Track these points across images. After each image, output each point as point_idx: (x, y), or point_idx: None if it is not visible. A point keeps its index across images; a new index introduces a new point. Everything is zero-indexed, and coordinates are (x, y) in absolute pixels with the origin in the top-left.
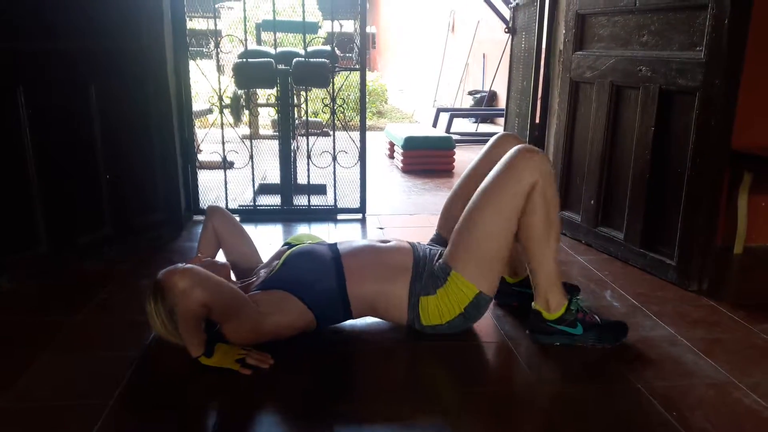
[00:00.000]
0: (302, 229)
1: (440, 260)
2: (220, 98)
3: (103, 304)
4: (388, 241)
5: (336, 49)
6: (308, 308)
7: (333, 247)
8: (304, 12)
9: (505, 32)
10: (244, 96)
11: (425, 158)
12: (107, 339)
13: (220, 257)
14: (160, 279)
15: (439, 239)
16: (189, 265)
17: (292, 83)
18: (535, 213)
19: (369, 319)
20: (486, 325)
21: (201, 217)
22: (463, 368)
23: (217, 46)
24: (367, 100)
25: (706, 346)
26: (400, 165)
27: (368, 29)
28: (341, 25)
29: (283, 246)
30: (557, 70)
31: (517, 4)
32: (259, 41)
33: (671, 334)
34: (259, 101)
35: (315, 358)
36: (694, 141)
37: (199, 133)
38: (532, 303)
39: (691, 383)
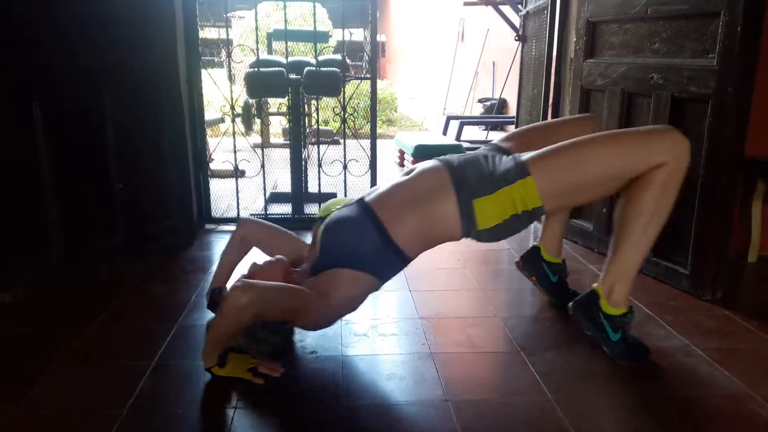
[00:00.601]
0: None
1: (511, 161)
2: (232, 107)
3: (116, 312)
4: (412, 170)
5: (346, 57)
6: (364, 273)
7: (361, 203)
8: (315, 21)
9: (516, 40)
10: (255, 105)
11: None
12: (120, 348)
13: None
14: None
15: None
16: (251, 281)
17: (303, 92)
18: (648, 189)
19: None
20: (497, 336)
21: (213, 226)
22: (476, 378)
23: (228, 55)
24: (377, 108)
25: (721, 357)
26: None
27: (378, 38)
28: (351, 34)
29: (317, 223)
30: (568, 77)
31: (527, 12)
32: (270, 50)
33: (685, 344)
34: (270, 110)
35: (321, 365)
36: (707, 149)
37: (211, 142)
38: (595, 284)
39: (707, 394)
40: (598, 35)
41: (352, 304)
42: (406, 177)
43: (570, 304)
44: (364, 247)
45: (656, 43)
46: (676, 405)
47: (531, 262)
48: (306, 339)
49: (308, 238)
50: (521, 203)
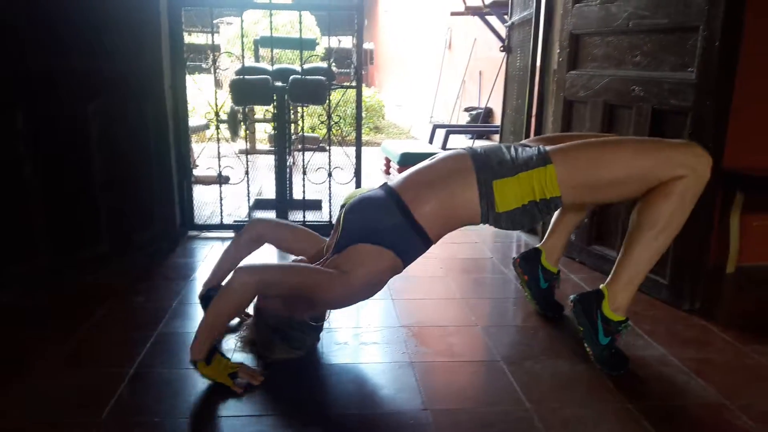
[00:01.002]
0: None
1: (534, 150)
2: (217, 114)
3: (96, 320)
4: (435, 156)
5: (334, 64)
6: (386, 249)
7: (384, 186)
8: (301, 29)
9: (501, 51)
10: (240, 112)
11: None
12: (99, 355)
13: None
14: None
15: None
16: (250, 263)
17: (288, 100)
18: (666, 199)
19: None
20: (477, 345)
21: (196, 233)
22: (455, 387)
23: (214, 62)
24: (364, 115)
25: (698, 366)
26: None
27: (366, 45)
28: (339, 41)
29: (340, 210)
30: (551, 88)
31: (512, 23)
32: (257, 57)
33: (663, 353)
34: (257, 116)
35: (302, 373)
36: None
37: (197, 148)
38: (603, 284)
39: (683, 404)
40: (581, 47)
41: (374, 283)
42: (429, 161)
43: (572, 296)
44: (387, 223)
45: (637, 56)
46: (653, 415)
47: (528, 262)
48: None
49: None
50: (540, 190)
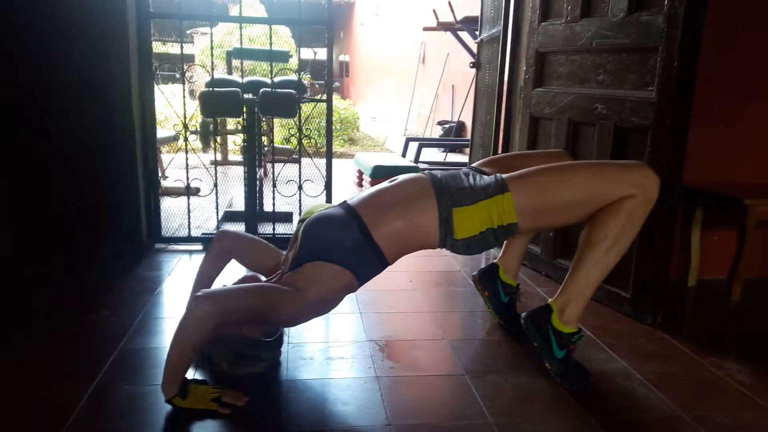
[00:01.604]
0: None
1: (491, 178)
2: (185, 126)
3: (56, 335)
4: (396, 179)
5: (309, 76)
6: (342, 268)
7: (343, 204)
8: (271, 42)
9: (471, 67)
10: (212, 123)
11: None
12: (58, 372)
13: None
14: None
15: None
16: (207, 290)
17: (258, 113)
18: (615, 216)
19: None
20: (443, 359)
21: (163, 245)
22: (420, 402)
23: (183, 74)
24: (339, 127)
25: (658, 380)
26: None
27: (342, 58)
28: (315, 53)
29: (298, 225)
30: (518, 105)
31: (481, 39)
32: (230, 69)
33: (625, 367)
34: (229, 127)
35: (265, 390)
36: None
37: (167, 158)
38: (551, 299)
39: (642, 417)
40: (546, 65)
41: (328, 301)
42: (390, 183)
43: (523, 314)
44: (344, 241)
45: (601, 74)
46: (612, 428)
47: (487, 277)
48: None
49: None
50: (498, 218)
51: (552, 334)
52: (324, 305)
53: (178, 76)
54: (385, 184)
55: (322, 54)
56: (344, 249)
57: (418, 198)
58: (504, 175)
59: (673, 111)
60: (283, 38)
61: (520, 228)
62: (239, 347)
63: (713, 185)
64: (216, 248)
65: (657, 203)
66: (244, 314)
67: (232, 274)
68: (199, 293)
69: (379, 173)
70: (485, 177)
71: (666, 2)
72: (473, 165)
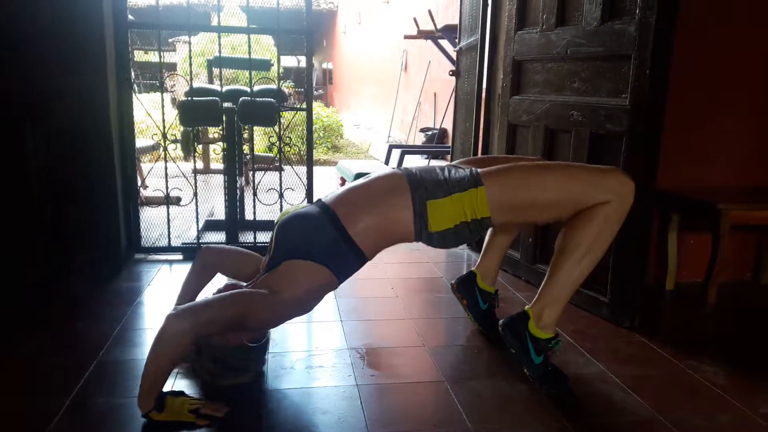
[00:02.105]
0: None
1: (466, 172)
2: (164, 135)
3: (33, 347)
4: (370, 175)
5: (292, 84)
6: (319, 264)
7: (318, 203)
8: (250, 51)
9: (450, 75)
10: (193, 132)
11: None
12: (34, 384)
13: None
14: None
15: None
16: (181, 306)
17: (238, 122)
18: (590, 223)
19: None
20: (423, 365)
21: (142, 256)
22: (399, 409)
23: (161, 84)
24: (323, 134)
25: (635, 383)
26: None
27: (325, 65)
28: (298, 60)
29: (275, 228)
30: (496, 112)
31: (460, 48)
32: (210, 77)
33: (602, 371)
34: (211, 136)
35: (244, 400)
36: None
37: (146, 167)
38: (528, 305)
39: (619, 421)
40: (523, 73)
41: (307, 300)
42: (365, 180)
43: (501, 320)
44: (320, 238)
45: (576, 82)
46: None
47: (465, 286)
48: None
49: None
50: (471, 211)
51: (529, 340)
52: (303, 304)
53: (157, 84)
54: (360, 180)
55: (305, 62)
56: (320, 246)
57: (392, 192)
58: (479, 170)
59: (646, 117)
60: (266, 46)
61: (493, 222)
62: (225, 356)
63: (688, 190)
64: (198, 264)
65: (633, 208)
66: (222, 325)
67: (216, 284)
68: (173, 309)
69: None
70: (460, 170)
71: (638, 11)
72: (452, 162)
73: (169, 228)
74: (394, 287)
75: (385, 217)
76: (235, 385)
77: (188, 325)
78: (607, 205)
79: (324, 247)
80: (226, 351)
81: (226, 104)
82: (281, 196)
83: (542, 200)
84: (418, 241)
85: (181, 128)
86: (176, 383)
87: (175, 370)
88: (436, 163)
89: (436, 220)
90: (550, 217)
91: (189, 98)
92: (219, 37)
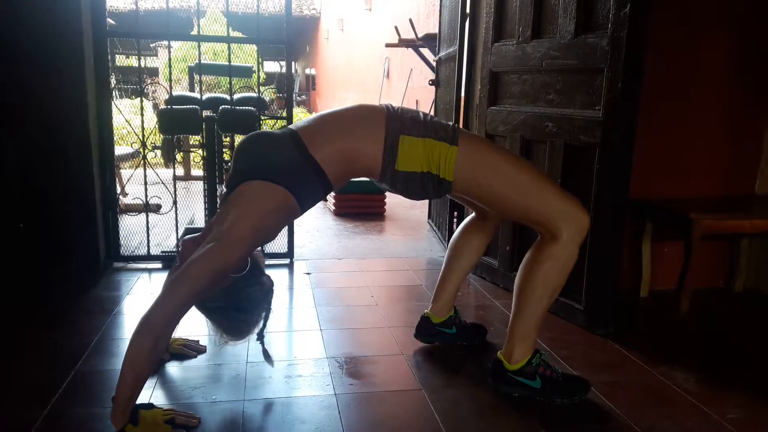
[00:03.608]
0: None
1: (448, 124)
2: (144, 144)
3: (9, 358)
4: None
5: (274, 89)
6: (276, 185)
7: (284, 128)
8: (230, 59)
9: (430, 84)
10: (173, 139)
11: (357, 202)
12: (10, 396)
13: None
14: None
15: None
16: (142, 320)
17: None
18: (543, 264)
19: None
20: (401, 374)
21: (122, 264)
22: (377, 418)
23: (142, 91)
24: None
25: (608, 390)
26: (333, 208)
27: (308, 71)
28: (281, 66)
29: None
30: (475, 122)
31: (440, 58)
32: (191, 84)
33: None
34: (193, 143)
35: (221, 410)
36: (595, 193)
37: (126, 174)
38: (500, 351)
39: (593, 428)
40: (500, 84)
41: (268, 226)
42: (342, 107)
43: (489, 380)
44: (279, 157)
45: (551, 94)
46: None
47: (424, 332)
48: (207, 384)
49: None
50: (437, 165)
51: (516, 376)
52: (263, 231)
53: (138, 89)
54: (334, 108)
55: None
56: (278, 165)
57: (366, 121)
58: (460, 129)
59: (618, 129)
60: (248, 52)
61: (452, 190)
62: (233, 302)
63: (661, 199)
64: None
65: (608, 217)
66: (191, 301)
67: None
68: (137, 327)
69: (343, 188)
70: (443, 122)
71: (610, 26)
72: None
73: (148, 236)
74: (375, 295)
75: (353, 144)
76: (211, 399)
77: (147, 334)
78: (556, 243)
79: (282, 165)
80: (228, 296)
81: (206, 112)
82: None
83: (502, 194)
84: (381, 181)
85: (162, 136)
86: (154, 394)
87: (152, 382)
88: None
89: (405, 158)
90: (498, 212)
91: (169, 106)
92: (199, 46)
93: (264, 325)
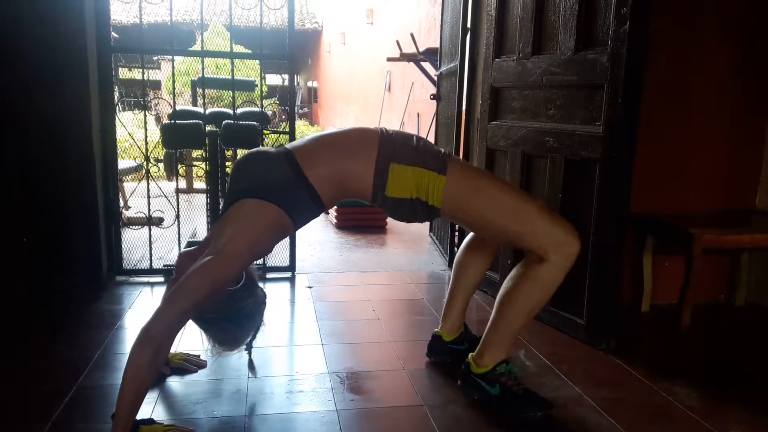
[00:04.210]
0: None
1: (439, 151)
2: (147, 158)
3: (10, 372)
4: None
5: (277, 102)
6: (269, 203)
7: (281, 147)
8: (233, 75)
9: (431, 99)
10: (176, 153)
11: (359, 215)
12: (10, 411)
13: None
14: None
15: None
16: (139, 335)
17: (221, 144)
18: (527, 283)
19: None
20: (402, 389)
21: (124, 278)
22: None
23: (145, 106)
24: None
25: (609, 406)
26: (335, 221)
27: (310, 84)
28: (283, 79)
29: None
30: (475, 137)
31: (441, 72)
32: (194, 98)
33: (578, 393)
34: (195, 156)
35: (223, 427)
36: (596, 208)
37: (129, 188)
38: (470, 354)
39: None
40: (501, 99)
41: (262, 242)
42: (335, 130)
43: (458, 381)
44: (273, 176)
45: (551, 109)
46: None
47: (438, 351)
48: (208, 399)
49: None
50: (425, 192)
51: (479, 380)
52: (257, 248)
53: (142, 102)
54: (329, 130)
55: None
56: (272, 184)
57: (359, 145)
58: (450, 156)
59: (619, 145)
60: (250, 65)
61: (440, 214)
62: (227, 314)
63: (662, 214)
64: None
65: (609, 232)
66: (189, 312)
67: None
68: (137, 339)
69: (345, 201)
70: (435, 148)
71: (610, 42)
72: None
73: (150, 250)
74: (376, 309)
75: (346, 167)
76: (212, 416)
77: (146, 345)
78: (544, 265)
79: (276, 185)
80: (223, 309)
81: (209, 127)
82: None
83: (490, 219)
84: (374, 203)
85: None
86: (155, 409)
87: (153, 397)
88: None
89: (395, 185)
90: (488, 236)
91: (172, 121)
92: (202, 61)
93: (254, 337)
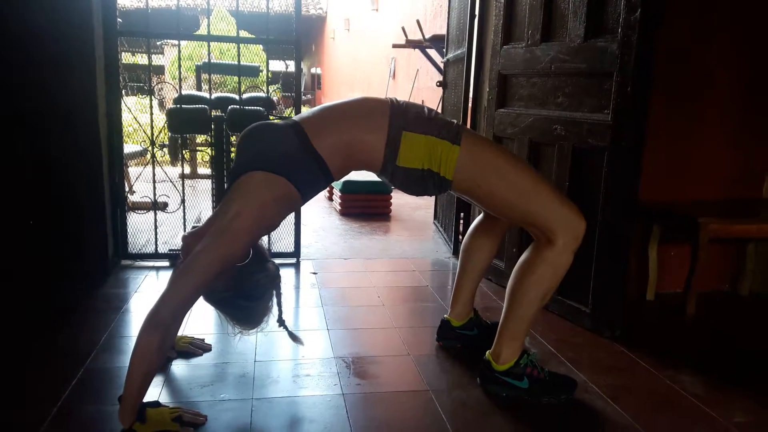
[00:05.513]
0: None
1: (452, 122)
2: (152, 142)
3: (19, 355)
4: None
5: (280, 89)
6: (276, 175)
7: (288, 119)
8: (239, 60)
9: (438, 86)
10: (181, 137)
11: (363, 202)
12: (20, 393)
13: None
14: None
15: None
16: (148, 316)
17: (226, 129)
18: (537, 269)
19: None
20: (408, 374)
21: (129, 262)
22: (384, 419)
23: (150, 91)
24: None
25: (615, 393)
26: (339, 208)
27: (314, 70)
28: (287, 65)
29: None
30: (482, 125)
31: (447, 59)
32: (199, 83)
33: (583, 380)
34: (199, 141)
35: (229, 409)
36: (604, 196)
37: (134, 172)
38: (488, 351)
39: (599, 430)
40: (508, 87)
41: (270, 216)
42: (344, 100)
43: (477, 380)
44: (280, 147)
45: (559, 97)
46: None
47: (447, 336)
48: (214, 382)
49: None
50: (437, 163)
51: (504, 377)
52: (265, 222)
53: (147, 87)
54: (338, 101)
55: (293, 66)
56: (278, 155)
57: (370, 114)
58: (464, 127)
59: (627, 133)
60: (254, 51)
61: (452, 188)
62: (240, 291)
63: (669, 203)
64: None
65: (615, 220)
66: (197, 293)
67: None
68: (144, 322)
69: (350, 188)
70: (447, 118)
71: (620, 30)
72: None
73: (156, 234)
74: (381, 296)
75: (356, 137)
76: (219, 397)
77: (153, 329)
78: (551, 248)
79: (283, 156)
80: (237, 283)
81: (215, 112)
82: None
83: (501, 196)
84: (383, 175)
85: (169, 134)
86: (161, 392)
87: (160, 380)
88: None
89: (407, 154)
90: (497, 214)
91: (178, 105)
92: (209, 45)
93: (280, 310)
